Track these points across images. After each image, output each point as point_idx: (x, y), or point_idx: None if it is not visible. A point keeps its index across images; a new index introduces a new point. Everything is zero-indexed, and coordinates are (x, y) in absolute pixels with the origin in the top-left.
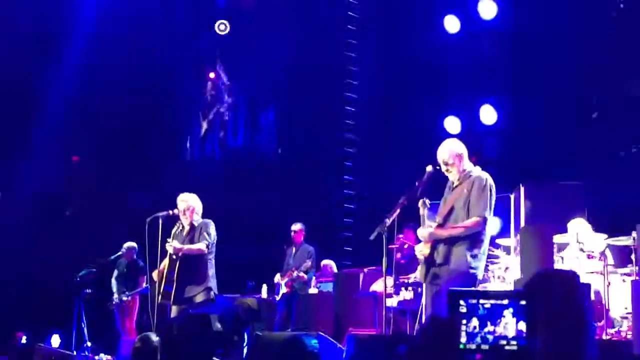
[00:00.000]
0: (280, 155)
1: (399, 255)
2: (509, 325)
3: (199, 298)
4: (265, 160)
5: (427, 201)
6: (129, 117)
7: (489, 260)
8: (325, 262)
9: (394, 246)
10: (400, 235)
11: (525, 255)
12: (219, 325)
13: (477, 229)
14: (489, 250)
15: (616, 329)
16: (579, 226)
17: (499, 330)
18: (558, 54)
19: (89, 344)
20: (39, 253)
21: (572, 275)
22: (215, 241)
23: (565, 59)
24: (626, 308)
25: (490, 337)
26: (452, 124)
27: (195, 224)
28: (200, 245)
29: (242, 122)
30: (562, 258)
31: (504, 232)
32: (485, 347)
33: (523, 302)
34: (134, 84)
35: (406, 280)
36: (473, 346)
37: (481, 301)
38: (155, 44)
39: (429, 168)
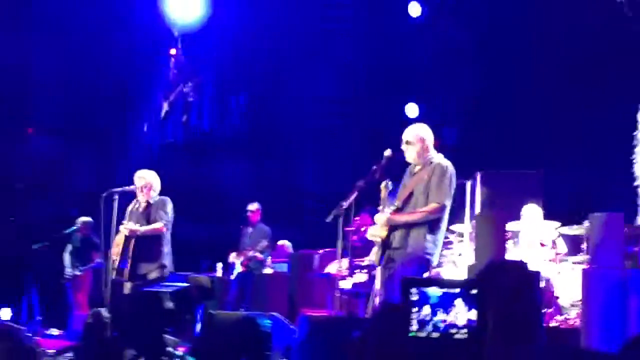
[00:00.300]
0: (240, 136)
1: (355, 237)
2: (460, 314)
3: (153, 275)
4: (225, 141)
5: (390, 183)
6: (86, 93)
7: (443, 246)
8: (281, 242)
9: (350, 229)
10: (357, 218)
11: (479, 241)
12: (170, 304)
13: (436, 215)
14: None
15: (564, 317)
16: (531, 211)
17: (450, 318)
18: (516, 43)
19: (39, 318)
20: None
21: (522, 265)
22: (172, 219)
23: (522, 46)
24: (575, 296)
25: (442, 325)
26: (412, 109)
27: (152, 201)
28: (157, 226)
29: (207, 104)
30: (515, 245)
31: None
32: (435, 334)
33: (474, 291)
34: (92, 59)
35: (361, 263)
36: (424, 334)
37: (433, 289)
38: (115, 17)
39: (387, 152)
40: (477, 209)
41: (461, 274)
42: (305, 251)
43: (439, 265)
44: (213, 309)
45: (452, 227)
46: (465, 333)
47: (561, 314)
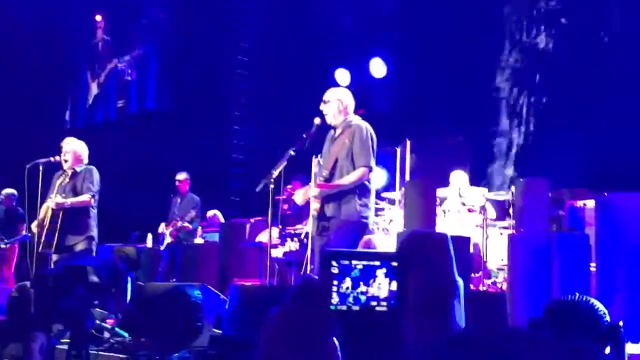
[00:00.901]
0: (169, 105)
1: (285, 206)
2: (382, 286)
3: (80, 247)
4: (155, 111)
5: (322, 160)
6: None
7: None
8: (211, 212)
9: (281, 197)
10: (288, 187)
11: (409, 208)
12: (95, 277)
13: (365, 179)
14: (376, 203)
15: (492, 280)
16: (458, 178)
17: (372, 290)
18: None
19: None
20: None
21: (442, 238)
22: (98, 190)
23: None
24: (502, 260)
25: (363, 298)
26: (342, 76)
27: (78, 170)
28: (84, 198)
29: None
30: (444, 211)
31: (389, 185)
32: (356, 307)
33: (395, 264)
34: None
35: (292, 231)
36: (344, 307)
37: (354, 262)
38: None
39: (317, 120)
40: (407, 176)
41: (392, 241)
42: (236, 220)
43: (370, 232)
44: (144, 280)
45: (383, 194)
46: (385, 306)
47: (489, 278)
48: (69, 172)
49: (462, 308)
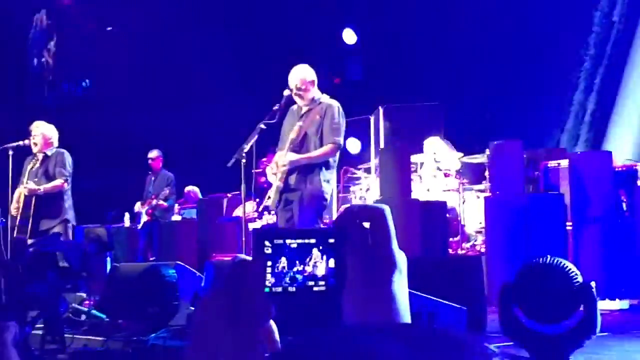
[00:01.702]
0: (140, 79)
1: (262, 179)
2: (319, 264)
3: (55, 231)
4: (126, 86)
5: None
6: None
7: (351, 182)
8: (188, 188)
9: (257, 170)
10: (264, 159)
11: (384, 175)
12: (65, 262)
13: (333, 155)
14: (351, 172)
15: (471, 243)
16: (434, 145)
17: (309, 269)
18: None
19: None
20: None
21: (380, 210)
22: (71, 172)
23: None
24: (480, 223)
25: (300, 277)
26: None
27: (49, 153)
28: (58, 182)
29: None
30: (421, 177)
31: (363, 153)
32: (292, 289)
33: (331, 240)
34: None
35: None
36: (279, 289)
37: (288, 241)
38: None
39: (287, 92)
40: (382, 144)
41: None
42: (213, 196)
43: (348, 200)
44: (123, 259)
45: (360, 166)
46: (324, 285)
47: (468, 241)
48: (40, 156)
49: (404, 283)
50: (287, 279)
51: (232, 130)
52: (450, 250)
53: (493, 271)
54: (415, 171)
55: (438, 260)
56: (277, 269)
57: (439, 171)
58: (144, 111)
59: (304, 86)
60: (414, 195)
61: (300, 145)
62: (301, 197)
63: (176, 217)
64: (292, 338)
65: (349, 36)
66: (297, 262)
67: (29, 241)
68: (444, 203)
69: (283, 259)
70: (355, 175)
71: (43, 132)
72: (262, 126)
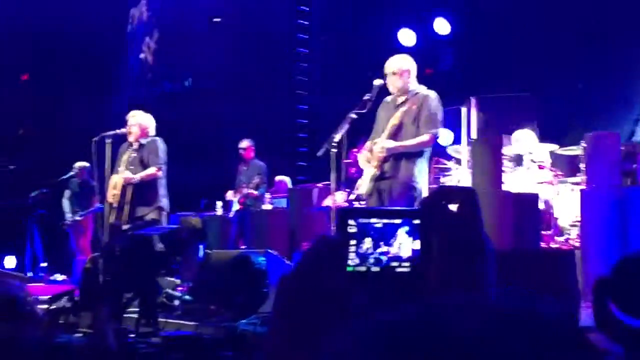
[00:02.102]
0: (233, 72)
1: (353, 169)
2: (404, 245)
3: (150, 217)
4: (219, 79)
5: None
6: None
7: (441, 173)
8: (279, 177)
9: (347, 161)
10: (355, 150)
11: (476, 167)
12: (161, 246)
13: (429, 145)
14: (442, 162)
15: (565, 237)
16: (524, 135)
17: (393, 250)
18: None
19: (44, 264)
20: None
21: (470, 192)
22: (165, 160)
23: None
24: (575, 216)
25: (384, 258)
26: (406, 36)
27: (144, 142)
28: (151, 171)
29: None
30: (513, 169)
31: (456, 144)
32: (376, 269)
33: (417, 221)
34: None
35: (357, 194)
36: (363, 268)
37: (373, 220)
38: None
39: (378, 82)
40: (473, 135)
41: None
42: (303, 186)
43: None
44: (215, 247)
45: (449, 149)
46: (408, 266)
47: (562, 235)
48: (136, 145)
49: (491, 265)
50: (371, 260)
51: (322, 120)
52: (543, 244)
53: (588, 265)
54: (509, 163)
55: (530, 254)
56: (362, 249)
57: (532, 163)
58: (237, 101)
59: (399, 72)
60: (505, 187)
61: (396, 134)
62: (393, 186)
63: (267, 206)
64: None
65: (442, 26)
66: (382, 243)
67: (125, 227)
68: (537, 195)
69: (367, 240)
70: (445, 166)
71: (139, 122)
72: (353, 116)
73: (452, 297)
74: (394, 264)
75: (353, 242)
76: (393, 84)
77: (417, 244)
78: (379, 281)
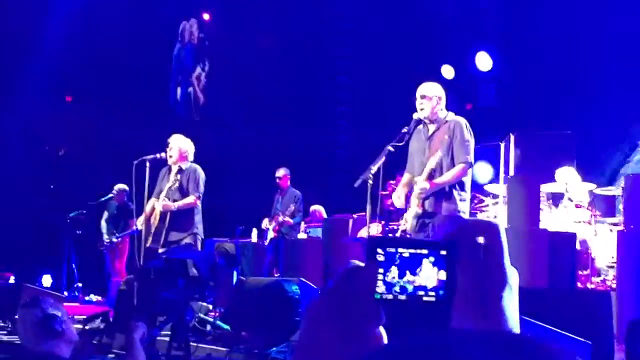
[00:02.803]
0: (272, 100)
1: (389, 201)
2: (429, 275)
3: (185, 242)
4: (257, 106)
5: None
6: (122, 59)
7: (477, 208)
8: (314, 207)
9: (384, 192)
10: (392, 182)
11: (512, 204)
12: (194, 271)
13: (465, 175)
14: (479, 197)
15: (602, 278)
16: (567, 175)
17: (419, 280)
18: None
19: (79, 284)
20: (31, 193)
21: (493, 226)
22: (203, 189)
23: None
24: (612, 257)
25: (410, 287)
26: (448, 71)
27: (184, 167)
28: (190, 200)
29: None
30: (550, 207)
31: (494, 182)
32: (402, 297)
33: (443, 252)
34: (129, 28)
35: (395, 227)
36: (390, 296)
37: (400, 250)
38: None
39: (416, 115)
40: (511, 171)
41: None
42: (338, 216)
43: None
44: (249, 274)
45: (486, 188)
46: (434, 296)
47: (599, 276)
48: (175, 169)
49: (515, 299)
50: (397, 288)
51: (359, 151)
52: (578, 284)
53: (623, 308)
54: (546, 201)
55: (565, 293)
56: (388, 278)
57: (569, 202)
58: (276, 128)
59: (430, 95)
60: (542, 226)
61: (433, 169)
62: (437, 220)
63: (302, 235)
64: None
65: (483, 61)
66: (408, 271)
67: (160, 250)
68: (574, 235)
69: (394, 269)
70: (482, 202)
71: (180, 146)
72: (390, 148)
73: (467, 327)
74: (420, 292)
75: (380, 270)
76: (422, 107)
77: (442, 274)
78: (406, 309)
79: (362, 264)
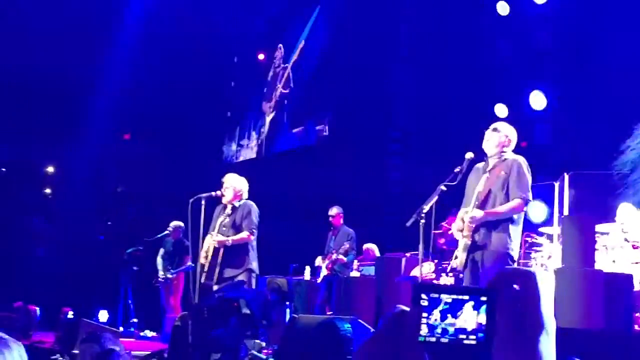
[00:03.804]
0: (326, 138)
1: (442, 240)
2: (469, 318)
3: (239, 279)
4: (311, 144)
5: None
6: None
7: (532, 248)
8: (367, 245)
9: (437, 232)
10: (444, 222)
11: (567, 244)
12: (247, 310)
13: (520, 211)
14: (533, 238)
15: None
16: (625, 212)
17: (459, 323)
18: (607, 39)
19: (135, 320)
20: (89, 229)
21: (530, 274)
22: (257, 224)
23: (615, 45)
24: None
25: (451, 330)
26: (501, 110)
27: (238, 204)
28: (244, 235)
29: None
30: (606, 247)
31: (548, 225)
32: (444, 340)
33: (484, 298)
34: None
35: (446, 265)
36: (433, 339)
37: (442, 295)
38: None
39: (469, 155)
40: (565, 211)
41: (551, 277)
42: (391, 255)
43: (527, 267)
44: (301, 312)
45: (541, 229)
46: (474, 340)
47: None
48: (229, 208)
49: (552, 346)
50: (439, 330)
51: (412, 190)
52: (636, 326)
53: None
54: (602, 241)
55: (622, 335)
56: (431, 321)
57: (626, 242)
58: (331, 166)
59: (501, 131)
60: (598, 266)
61: (484, 202)
62: (485, 256)
63: (355, 273)
64: None
65: (538, 100)
66: (449, 315)
67: (215, 287)
68: (631, 276)
69: (436, 312)
70: (536, 241)
71: (234, 185)
72: (443, 188)
73: None
74: (462, 336)
75: (424, 314)
76: (488, 140)
77: (482, 318)
78: (448, 352)
79: (407, 309)
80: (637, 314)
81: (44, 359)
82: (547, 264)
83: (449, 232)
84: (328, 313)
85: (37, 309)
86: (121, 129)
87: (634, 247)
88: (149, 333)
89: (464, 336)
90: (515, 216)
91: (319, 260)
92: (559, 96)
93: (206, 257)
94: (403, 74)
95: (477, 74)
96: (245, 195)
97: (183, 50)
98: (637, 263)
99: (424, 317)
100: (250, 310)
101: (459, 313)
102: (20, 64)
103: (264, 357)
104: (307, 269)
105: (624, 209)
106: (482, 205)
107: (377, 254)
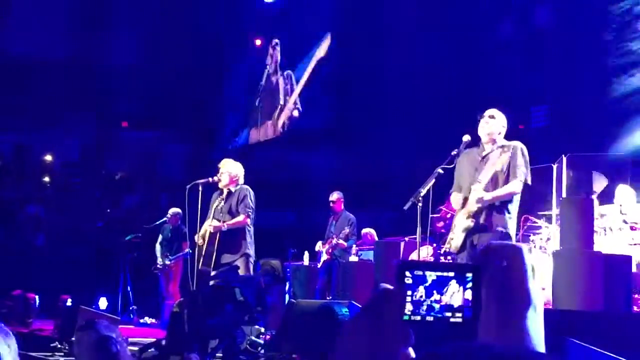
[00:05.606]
0: (327, 123)
1: (441, 224)
2: (456, 295)
3: (236, 264)
4: (313, 130)
5: (466, 177)
6: (176, 88)
7: (531, 230)
8: (366, 230)
9: (435, 215)
10: (442, 207)
11: (565, 226)
12: (241, 297)
13: (518, 192)
14: (532, 220)
15: None
16: (623, 194)
17: (445, 299)
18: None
19: (134, 307)
20: (87, 217)
21: (517, 249)
22: (253, 209)
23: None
24: None
25: (437, 306)
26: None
27: (233, 190)
28: (240, 218)
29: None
30: (605, 229)
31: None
32: (429, 318)
33: (469, 275)
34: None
35: (447, 249)
36: (418, 317)
37: (427, 273)
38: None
39: (466, 137)
40: (564, 193)
41: (549, 260)
42: (390, 239)
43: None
44: (301, 297)
45: (539, 212)
46: (460, 317)
47: None
48: (225, 193)
49: (539, 320)
50: (425, 307)
51: (409, 174)
52: (635, 308)
53: None
54: (600, 222)
55: (620, 317)
56: (415, 297)
57: (624, 224)
58: (340, 151)
59: (497, 117)
60: (596, 248)
61: (492, 185)
62: (483, 239)
63: (354, 258)
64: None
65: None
66: (435, 291)
67: (212, 273)
68: (629, 257)
69: (421, 288)
70: (535, 224)
71: (229, 170)
72: (440, 170)
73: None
74: (448, 314)
75: (408, 292)
76: (485, 127)
77: (468, 294)
78: (433, 330)
79: (391, 287)
80: (636, 295)
81: (43, 346)
82: (545, 245)
83: (448, 216)
84: (328, 298)
85: (36, 296)
86: (118, 117)
87: (633, 228)
88: (148, 320)
89: (449, 313)
90: (514, 197)
91: (319, 245)
92: (556, 79)
93: (203, 243)
94: (400, 59)
95: (473, 58)
96: (242, 180)
97: (176, 36)
98: (635, 244)
99: (409, 295)
100: (245, 297)
101: (444, 289)
102: (15, 52)
103: (262, 342)
104: (306, 254)
105: (623, 191)
106: (488, 189)
107: (376, 238)
